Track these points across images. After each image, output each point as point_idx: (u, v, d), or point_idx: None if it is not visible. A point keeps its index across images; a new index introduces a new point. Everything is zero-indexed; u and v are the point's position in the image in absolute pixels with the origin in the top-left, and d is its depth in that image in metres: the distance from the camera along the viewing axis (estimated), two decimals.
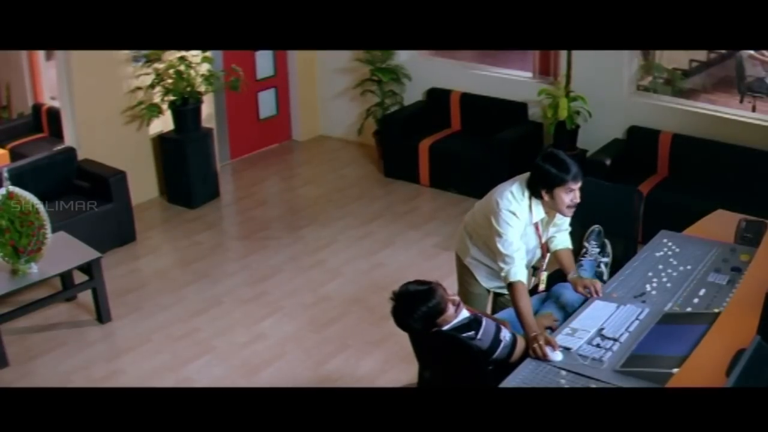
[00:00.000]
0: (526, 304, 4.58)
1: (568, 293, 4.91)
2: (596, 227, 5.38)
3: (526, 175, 4.83)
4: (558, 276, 5.24)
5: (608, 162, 7.81)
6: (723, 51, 9.06)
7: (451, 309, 4.26)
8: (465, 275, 5.30)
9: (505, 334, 4.32)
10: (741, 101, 8.65)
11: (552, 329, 4.57)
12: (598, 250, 5.32)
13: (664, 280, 4.80)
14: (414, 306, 4.20)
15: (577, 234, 5.27)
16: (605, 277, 5.16)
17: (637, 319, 4.41)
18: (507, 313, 4.87)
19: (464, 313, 4.34)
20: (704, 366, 3.88)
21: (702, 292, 4.63)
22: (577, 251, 5.26)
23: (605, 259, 5.29)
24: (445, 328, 4.27)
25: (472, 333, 4.24)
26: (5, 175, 6.29)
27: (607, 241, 5.37)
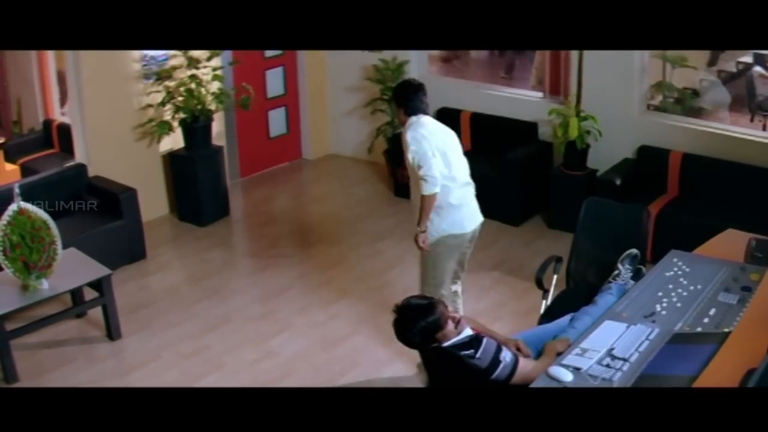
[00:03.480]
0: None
1: (590, 317, 4.86)
2: (634, 251, 5.36)
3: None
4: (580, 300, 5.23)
5: (618, 181, 7.81)
6: (733, 70, 9.06)
7: (450, 326, 4.30)
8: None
9: (506, 355, 4.33)
10: (752, 120, 8.63)
11: None
12: (631, 274, 5.29)
13: (674, 299, 4.79)
14: (413, 320, 4.28)
15: (602, 257, 5.37)
16: None
17: (647, 339, 4.39)
18: (523, 335, 4.87)
19: (467, 332, 4.37)
20: (714, 386, 3.86)
21: (712, 311, 4.62)
22: (609, 273, 5.30)
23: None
24: (445, 344, 4.30)
25: (471, 351, 4.26)
26: (16, 190, 6.31)
27: (643, 268, 5.36)
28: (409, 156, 5.64)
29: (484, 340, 4.32)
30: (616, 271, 5.28)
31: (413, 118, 5.76)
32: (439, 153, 5.65)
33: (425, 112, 5.81)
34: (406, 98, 5.81)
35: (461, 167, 5.87)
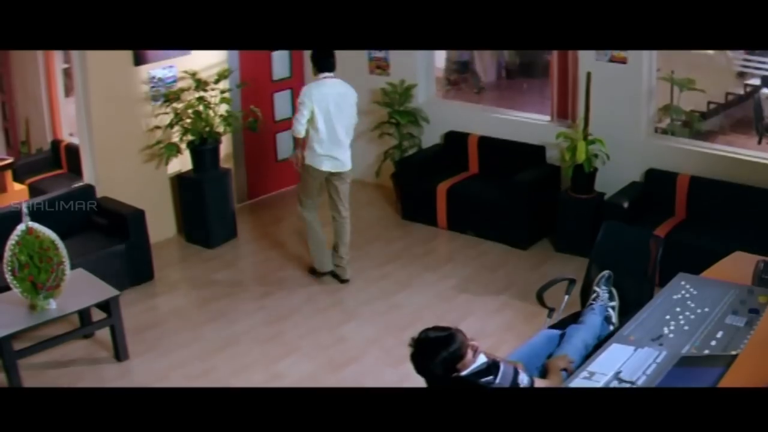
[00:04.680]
0: None
1: (582, 333, 4.91)
2: (606, 272, 5.45)
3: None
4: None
5: (626, 205, 7.81)
6: (741, 92, 9.09)
7: (470, 354, 4.26)
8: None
9: (523, 378, 4.31)
10: (759, 142, 8.66)
11: (567, 371, 4.56)
12: (608, 295, 5.36)
13: (682, 322, 4.77)
14: (435, 352, 4.20)
15: (618, 281, 5.51)
16: (614, 320, 5.30)
17: (654, 362, 4.37)
18: (518, 355, 4.87)
19: (482, 358, 4.34)
20: None
21: (720, 334, 4.60)
22: (588, 295, 5.45)
23: (613, 303, 5.40)
24: (464, 373, 4.26)
25: (491, 378, 4.23)
26: (24, 210, 6.32)
27: (614, 289, 5.44)
28: (298, 101, 7.44)
29: (502, 365, 4.29)
30: (594, 294, 5.41)
31: (320, 76, 7.43)
32: (317, 111, 7.33)
33: (331, 69, 7.45)
34: (314, 59, 7.47)
35: (337, 129, 7.47)
